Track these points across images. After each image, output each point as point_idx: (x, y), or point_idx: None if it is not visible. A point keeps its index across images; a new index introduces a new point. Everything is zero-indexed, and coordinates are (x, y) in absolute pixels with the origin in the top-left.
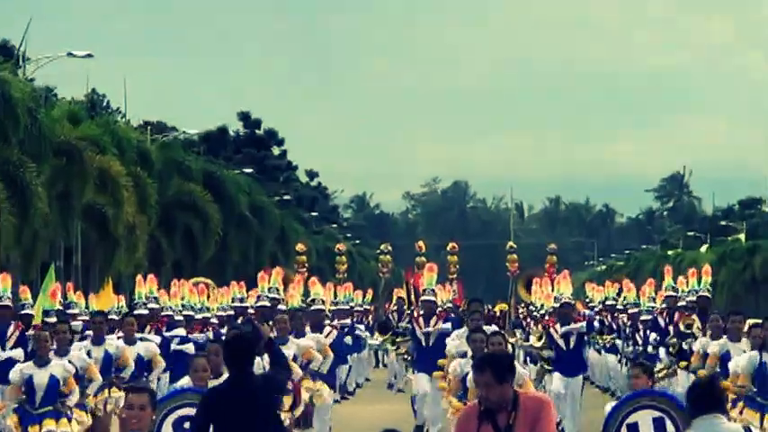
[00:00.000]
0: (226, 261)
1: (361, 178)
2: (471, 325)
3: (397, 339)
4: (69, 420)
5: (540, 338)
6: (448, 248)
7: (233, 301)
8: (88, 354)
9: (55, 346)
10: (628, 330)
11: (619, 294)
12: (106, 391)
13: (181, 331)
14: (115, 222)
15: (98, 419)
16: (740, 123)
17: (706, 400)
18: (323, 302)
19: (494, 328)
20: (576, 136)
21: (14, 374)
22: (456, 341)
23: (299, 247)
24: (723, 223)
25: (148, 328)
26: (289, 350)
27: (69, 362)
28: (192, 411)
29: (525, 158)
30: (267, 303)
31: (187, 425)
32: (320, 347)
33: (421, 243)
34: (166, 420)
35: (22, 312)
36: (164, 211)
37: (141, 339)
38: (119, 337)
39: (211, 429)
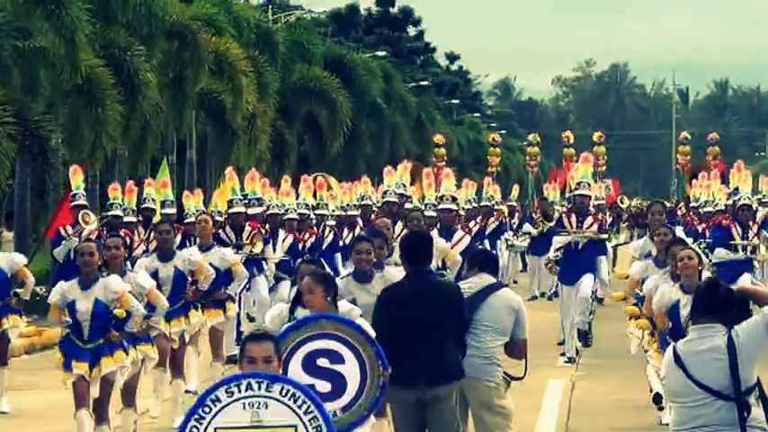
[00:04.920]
0: (356, 154)
1: (506, 61)
2: (658, 232)
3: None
4: (126, 353)
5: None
6: (594, 138)
7: (361, 199)
8: (155, 274)
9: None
10: None
11: None
12: (182, 318)
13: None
14: (233, 112)
15: (175, 351)
16: None
17: None
18: (454, 200)
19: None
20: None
21: (55, 294)
22: (641, 261)
23: (438, 138)
24: None
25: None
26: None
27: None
28: (326, 343)
29: (688, 39)
30: (394, 199)
31: (321, 361)
32: (442, 256)
33: (568, 133)
34: (293, 358)
35: (109, 214)
36: (286, 99)
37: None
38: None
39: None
